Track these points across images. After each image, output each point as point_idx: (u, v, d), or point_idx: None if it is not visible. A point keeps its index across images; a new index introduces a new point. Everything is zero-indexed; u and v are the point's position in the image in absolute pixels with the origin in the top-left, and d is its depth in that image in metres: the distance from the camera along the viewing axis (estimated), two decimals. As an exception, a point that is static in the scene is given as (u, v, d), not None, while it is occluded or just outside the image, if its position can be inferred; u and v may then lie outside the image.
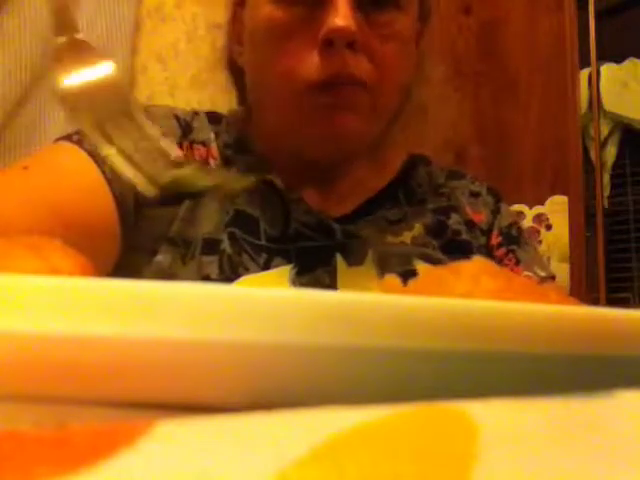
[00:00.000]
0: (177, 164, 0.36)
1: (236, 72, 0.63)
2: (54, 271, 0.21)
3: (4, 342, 0.15)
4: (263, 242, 0.57)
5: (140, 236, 0.56)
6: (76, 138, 0.55)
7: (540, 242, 1.76)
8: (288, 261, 0.56)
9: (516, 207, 1.76)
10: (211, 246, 0.55)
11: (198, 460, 0.12)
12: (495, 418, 0.14)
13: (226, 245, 0.55)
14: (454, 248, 0.61)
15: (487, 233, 0.65)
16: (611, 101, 2.01)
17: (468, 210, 0.65)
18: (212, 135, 0.62)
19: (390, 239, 0.60)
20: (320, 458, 0.12)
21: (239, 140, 0.62)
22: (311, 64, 0.53)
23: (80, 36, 0.36)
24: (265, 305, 0.16)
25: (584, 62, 1.89)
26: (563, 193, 1.76)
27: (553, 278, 0.67)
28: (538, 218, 1.78)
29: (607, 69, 2.01)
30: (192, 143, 0.60)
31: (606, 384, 0.16)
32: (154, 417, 0.13)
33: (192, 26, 1.51)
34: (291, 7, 0.54)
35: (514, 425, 0.14)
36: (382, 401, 0.14)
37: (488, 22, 1.91)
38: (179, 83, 1.48)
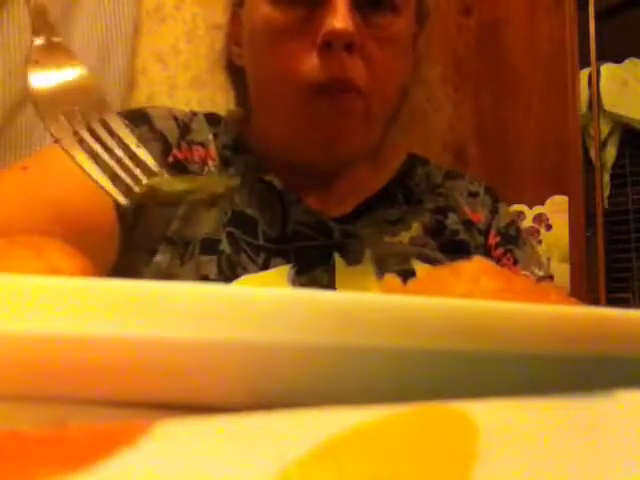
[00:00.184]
0: (153, 173, 0.36)
1: (235, 73, 0.63)
2: (54, 271, 0.21)
3: (4, 342, 0.15)
4: (262, 242, 0.57)
5: (139, 236, 0.56)
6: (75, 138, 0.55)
7: (540, 242, 1.76)
8: (287, 261, 0.56)
9: (516, 207, 1.76)
10: (210, 246, 0.55)
11: (198, 460, 0.12)
12: (495, 418, 0.14)
13: (225, 245, 0.55)
14: (452, 248, 0.61)
15: (485, 233, 0.65)
16: (611, 101, 2.01)
17: (466, 210, 0.65)
18: (211, 136, 0.62)
19: (388, 239, 0.60)
20: (320, 458, 0.12)
21: (238, 141, 0.62)
22: (310, 65, 0.53)
23: (57, 39, 0.35)
24: (265, 305, 0.16)
25: (584, 62, 1.89)
26: (563, 193, 1.76)
27: (551, 278, 0.67)
28: (538, 218, 1.78)
29: (607, 69, 2.01)
30: (190, 144, 0.60)
31: (606, 384, 0.16)
32: (154, 417, 0.13)
33: (192, 26, 1.51)
34: (289, 8, 0.54)
35: (514, 425, 0.14)
36: (382, 401, 0.14)
37: (488, 23, 1.91)
38: (179, 83, 1.48)
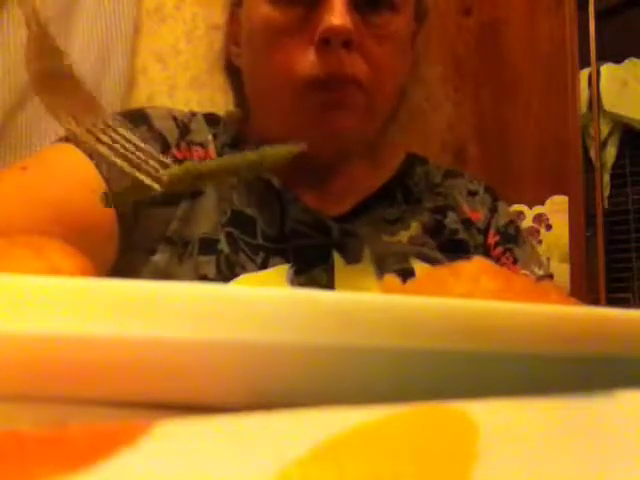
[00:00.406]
0: (168, 165, 0.36)
1: (233, 73, 0.63)
2: (54, 271, 0.21)
3: (4, 342, 0.15)
4: (260, 241, 0.57)
5: (138, 235, 0.56)
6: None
7: (540, 242, 1.76)
8: (286, 260, 0.56)
9: (516, 207, 1.76)
10: (208, 246, 0.55)
11: (198, 460, 0.12)
12: (495, 418, 0.14)
13: (223, 245, 0.55)
14: (451, 247, 0.61)
15: (484, 232, 0.65)
16: (611, 101, 2.01)
17: (465, 209, 0.65)
18: (210, 136, 0.62)
19: (387, 238, 0.60)
20: (320, 458, 0.12)
21: (237, 141, 0.62)
22: (307, 62, 0.53)
23: (68, 62, 0.35)
24: (265, 305, 0.16)
25: (584, 62, 1.89)
26: (563, 193, 1.76)
27: (551, 277, 0.67)
28: (538, 218, 1.78)
29: (607, 69, 2.01)
30: (190, 144, 0.60)
31: (606, 384, 0.16)
32: (154, 417, 0.13)
33: (192, 26, 1.51)
34: (288, 7, 0.54)
35: (514, 425, 0.14)
36: (382, 401, 0.14)
37: (488, 23, 1.91)
38: (179, 83, 1.48)
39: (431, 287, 0.23)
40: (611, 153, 2.08)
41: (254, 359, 0.16)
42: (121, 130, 0.36)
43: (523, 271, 0.62)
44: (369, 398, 0.14)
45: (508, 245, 0.64)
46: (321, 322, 0.16)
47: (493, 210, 0.66)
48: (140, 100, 1.43)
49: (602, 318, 0.18)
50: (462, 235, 0.63)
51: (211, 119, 0.64)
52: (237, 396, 0.16)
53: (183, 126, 0.61)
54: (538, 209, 1.78)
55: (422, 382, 0.17)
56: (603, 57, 1.99)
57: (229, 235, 0.56)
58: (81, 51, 1.35)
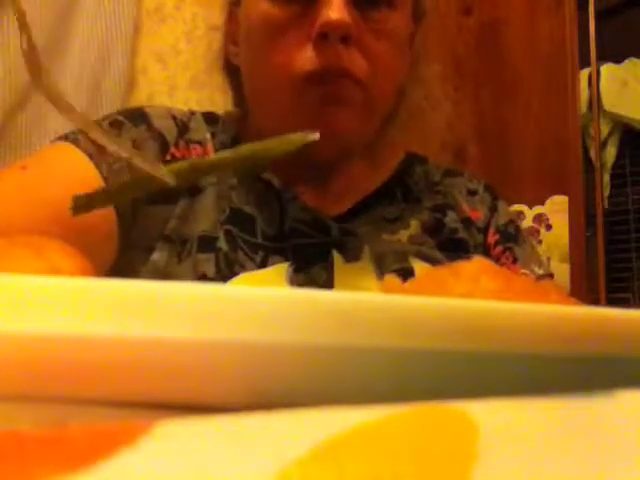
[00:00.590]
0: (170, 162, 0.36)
1: (232, 73, 0.63)
2: (54, 271, 0.21)
3: (4, 342, 0.15)
4: (260, 240, 0.57)
5: (136, 234, 0.56)
6: (73, 138, 0.55)
7: (540, 242, 1.76)
8: (285, 259, 0.56)
9: (516, 207, 1.76)
10: (207, 243, 0.55)
11: (198, 460, 0.12)
12: (495, 418, 0.14)
13: (222, 243, 0.55)
14: (451, 246, 0.61)
15: (484, 231, 0.64)
16: (611, 101, 2.01)
17: (465, 208, 0.65)
18: (208, 135, 0.62)
19: (387, 237, 0.60)
20: (320, 458, 0.12)
21: (235, 140, 0.62)
22: (305, 57, 0.53)
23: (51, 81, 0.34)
24: (265, 305, 0.16)
25: (584, 62, 1.89)
26: (563, 193, 1.76)
27: (551, 276, 0.67)
28: (538, 218, 1.78)
29: (607, 69, 2.01)
30: (188, 143, 0.60)
31: (606, 384, 0.16)
32: (154, 417, 0.13)
33: (192, 26, 1.51)
34: (286, 3, 0.54)
35: (514, 425, 0.14)
36: (382, 401, 0.14)
37: (488, 23, 1.91)
38: (179, 83, 1.48)
39: (431, 287, 0.23)
40: (611, 153, 2.08)
41: (254, 359, 0.16)
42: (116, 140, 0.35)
43: (523, 270, 0.62)
44: (369, 398, 0.14)
45: (508, 244, 0.64)
46: (321, 322, 0.16)
47: (493, 209, 0.66)
48: (140, 100, 1.43)
49: (602, 318, 0.18)
50: (462, 234, 0.63)
51: (210, 118, 0.64)
52: (237, 396, 0.16)
53: (182, 125, 0.61)
54: (538, 209, 1.78)
55: (422, 382, 0.17)
56: (603, 57, 1.99)
57: (228, 233, 0.56)
58: (81, 51, 1.35)
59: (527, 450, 0.13)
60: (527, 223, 1.77)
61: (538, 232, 1.77)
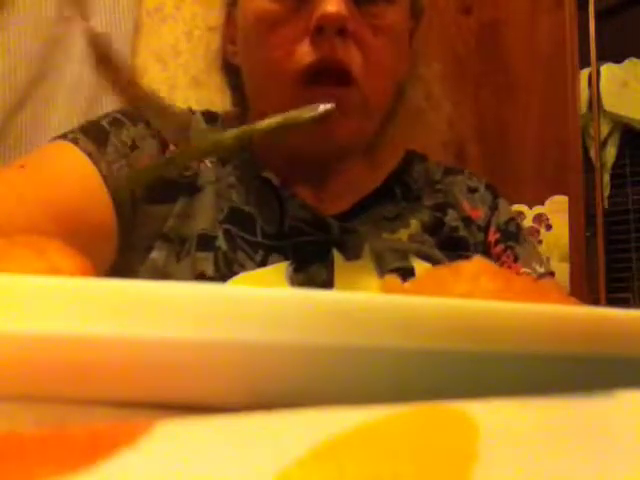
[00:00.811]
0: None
1: (231, 72, 0.63)
2: (55, 271, 0.21)
3: (4, 342, 0.15)
4: (259, 239, 0.57)
5: (136, 233, 0.56)
6: (71, 137, 0.55)
7: (540, 242, 1.76)
8: (285, 257, 0.56)
9: (516, 207, 1.75)
10: (206, 242, 0.55)
11: (198, 460, 0.12)
12: (495, 418, 0.14)
13: (221, 241, 0.55)
14: (451, 245, 0.61)
15: (485, 229, 0.64)
16: (611, 101, 2.01)
17: (465, 206, 0.65)
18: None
19: (387, 236, 0.60)
20: (320, 458, 0.12)
21: None
22: (302, 51, 0.53)
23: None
24: (265, 305, 0.16)
25: (584, 62, 1.89)
26: (563, 193, 1.76)
27: (552, 274, 0.67)
28: (538, 218, 1.78)
29: (607, 69, 2.01)
30: (188, 141, 0.60)
31: (606, 384, 0.16)
32: (154, 417, 0.13)
33: (192, 26, 1.51)
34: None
35: (514, 425, 0.14)
36: (382, 401, 0.14)
37: (488, 22, 1.91)
38: (179, 83, 1.48)
39: (431, 287, 0.23)
40: (611, 153, 2.08)
41: (254, 359, 0.16)
42: None
43: (524, 269, 0.62)
44: (369, 398, 0.14)
45: (509, 243, 0.64)
46: (321, 322, 0.16)
47: (493, 208, 0.66)
48: (140, 100, 1.43)
49: (602, 318, 0.18)
50: (462, 233, 0.63)
51: (209, 116, 0.64)
52: (237, 396, 0.16)
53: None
54: (538, 209, 1.78)
55: (422, 382, 0.17)
56: (603, 57, 1.99)
57: (227, 232, 0.56)
58: (81, 51, 1.35)
59: (527, 450, 0.13)
60: (527, 223, 1.76)
61: (538, 232, 1.77)
